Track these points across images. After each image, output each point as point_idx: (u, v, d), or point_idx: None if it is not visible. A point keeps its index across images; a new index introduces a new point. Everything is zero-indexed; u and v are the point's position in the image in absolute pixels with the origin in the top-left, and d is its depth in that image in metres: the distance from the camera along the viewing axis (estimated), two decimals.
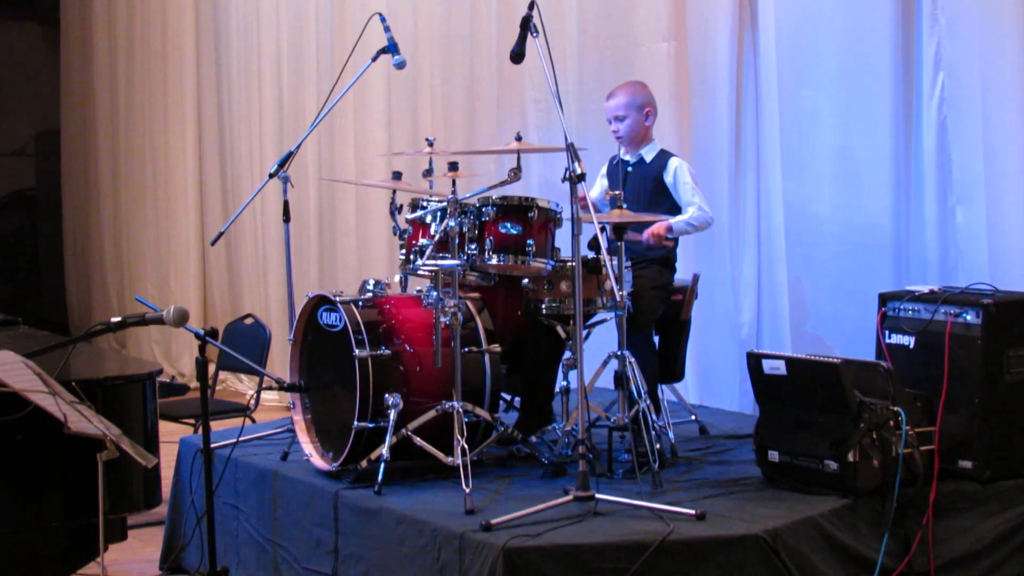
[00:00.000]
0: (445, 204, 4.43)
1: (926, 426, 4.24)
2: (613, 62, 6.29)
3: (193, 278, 9.67)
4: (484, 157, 6.68)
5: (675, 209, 4.87)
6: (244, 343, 6.01)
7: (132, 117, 10.28)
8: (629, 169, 5.00)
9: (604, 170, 5.20)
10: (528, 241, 4.44)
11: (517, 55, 4.19)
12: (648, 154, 4.98)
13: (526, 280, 4.64)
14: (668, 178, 4.88)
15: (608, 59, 6.32)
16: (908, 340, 4.47)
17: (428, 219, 4.55)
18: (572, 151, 4.03)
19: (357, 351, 4.30)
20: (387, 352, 4.37)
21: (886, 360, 4.41)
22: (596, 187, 5.17)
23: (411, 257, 4.59)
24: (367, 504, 4.13)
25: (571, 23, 6.46)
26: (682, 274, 5.12)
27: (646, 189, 4.91)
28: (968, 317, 4.30)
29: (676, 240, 4.95)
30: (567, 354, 4.62)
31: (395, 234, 4.76)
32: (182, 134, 9.68)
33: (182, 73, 9.62)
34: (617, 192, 4.54)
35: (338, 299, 4.44)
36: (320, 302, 4.56)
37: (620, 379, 4.41)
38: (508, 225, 4.45)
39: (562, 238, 4.49)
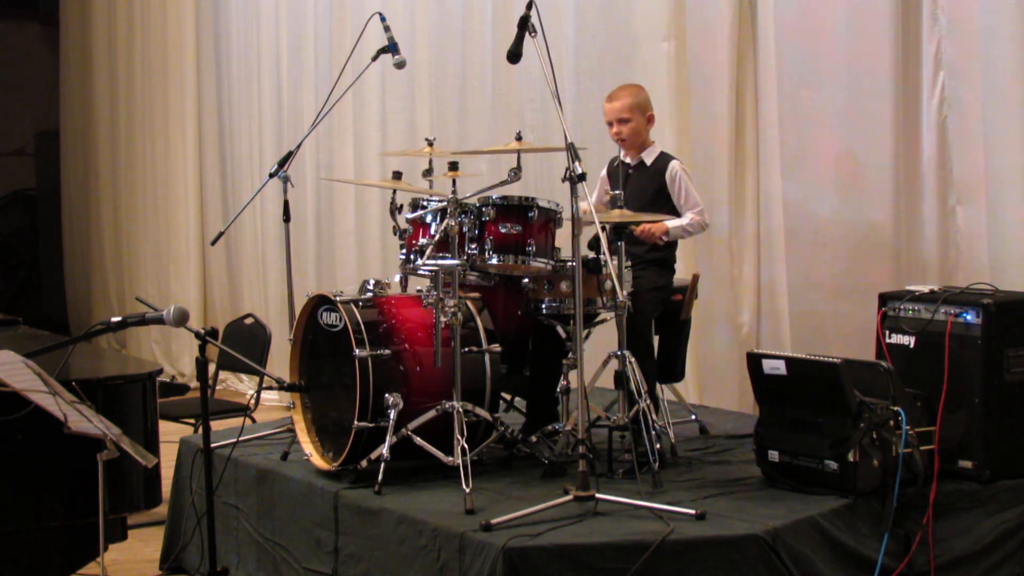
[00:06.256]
0: (445, 204, 4.43)
1: (926, 426, 4.24)
2: (612, 62, 6.28)
3: (193, 278, 9.67)
4: (475, 157, 6.67)
5: (675, 212, 4.87)
6: (244, 343, 6.01)
7: (132, 117, 10.28)
8: (630, 172, 4.99)
9: (604, 172, 5.19)
10: (528, 241, 4.43)
11: (514, 55, 4.16)
12: (648, 157, 4.97)
13: (526, 280, 4.64)
14: (670, 182, 4.87)
15: (607, 59, 6.31)
16: (908, 340, 4.47)
17: (428, 219, 4.55)
18: (572, 151, 4.02)
19: (357, 351, 4.30)
20: (387, 352, 4.36)
21: (886, 360, 4.41)
22: (597, 191, 5.15)
23: (411, 257, 4.59)
24: (367, 504, 4.13)
25: (569, 23, 6.45)
26: (682, 274, 5.12)
27: (647, 192, 4.90)
28: (968, 317, 4.30)
29: (675, 242, 4.95)
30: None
31: (395, 234, 4.76)
32: (182, 134, 9.68)
33: (182, 73, 9.62)
34: (617, 192, 4.53)
35: (338, 299, 4.44)
36: (320, 302, 4.55)
37: (620, 379, 4.40)
38: (508, 225, 4.44)
39: (562, 238, 4.48)
